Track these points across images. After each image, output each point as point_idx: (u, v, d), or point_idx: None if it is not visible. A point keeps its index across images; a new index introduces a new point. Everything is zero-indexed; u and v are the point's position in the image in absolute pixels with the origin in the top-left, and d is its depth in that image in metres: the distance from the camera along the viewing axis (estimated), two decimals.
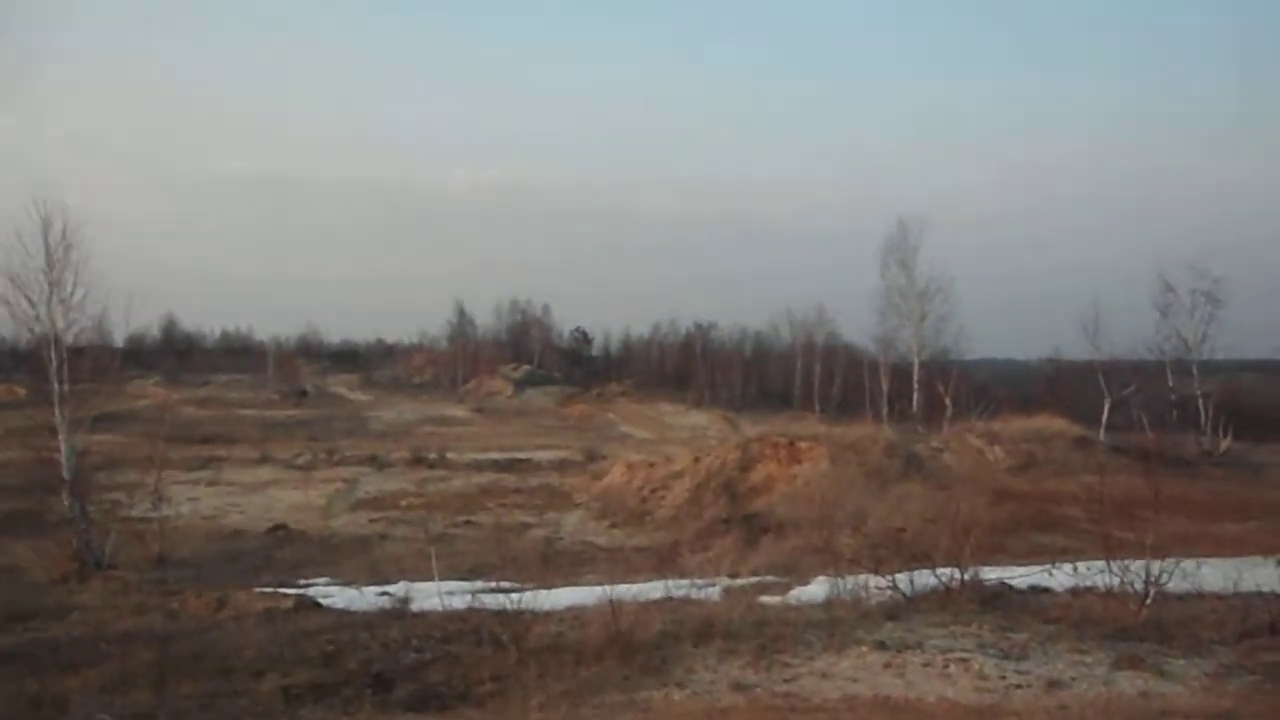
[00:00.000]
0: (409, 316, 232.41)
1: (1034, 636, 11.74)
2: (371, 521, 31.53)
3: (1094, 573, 13.79)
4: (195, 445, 47.63)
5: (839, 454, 32.56)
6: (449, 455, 46.61)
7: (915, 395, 48.83)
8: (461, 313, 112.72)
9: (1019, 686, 10.08)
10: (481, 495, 36.85)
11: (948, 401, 46.37)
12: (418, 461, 45.35)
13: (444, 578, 18.23)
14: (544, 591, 13.77)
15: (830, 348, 79.10)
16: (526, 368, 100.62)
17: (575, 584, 17.12)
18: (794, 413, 68.15)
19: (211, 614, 15.42)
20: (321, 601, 16.50)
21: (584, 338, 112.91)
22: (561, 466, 44.39)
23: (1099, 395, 43.87)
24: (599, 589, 13.53)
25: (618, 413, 77.20)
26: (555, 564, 22.96)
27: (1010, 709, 9.27)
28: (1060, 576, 14.71)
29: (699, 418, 74.19)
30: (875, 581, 14.15)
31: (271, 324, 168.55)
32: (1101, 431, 40.80)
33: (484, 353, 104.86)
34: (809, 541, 20.79)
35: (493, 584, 16.85)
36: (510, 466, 44.37)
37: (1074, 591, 14.03)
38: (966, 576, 13.73)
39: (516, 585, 15.15)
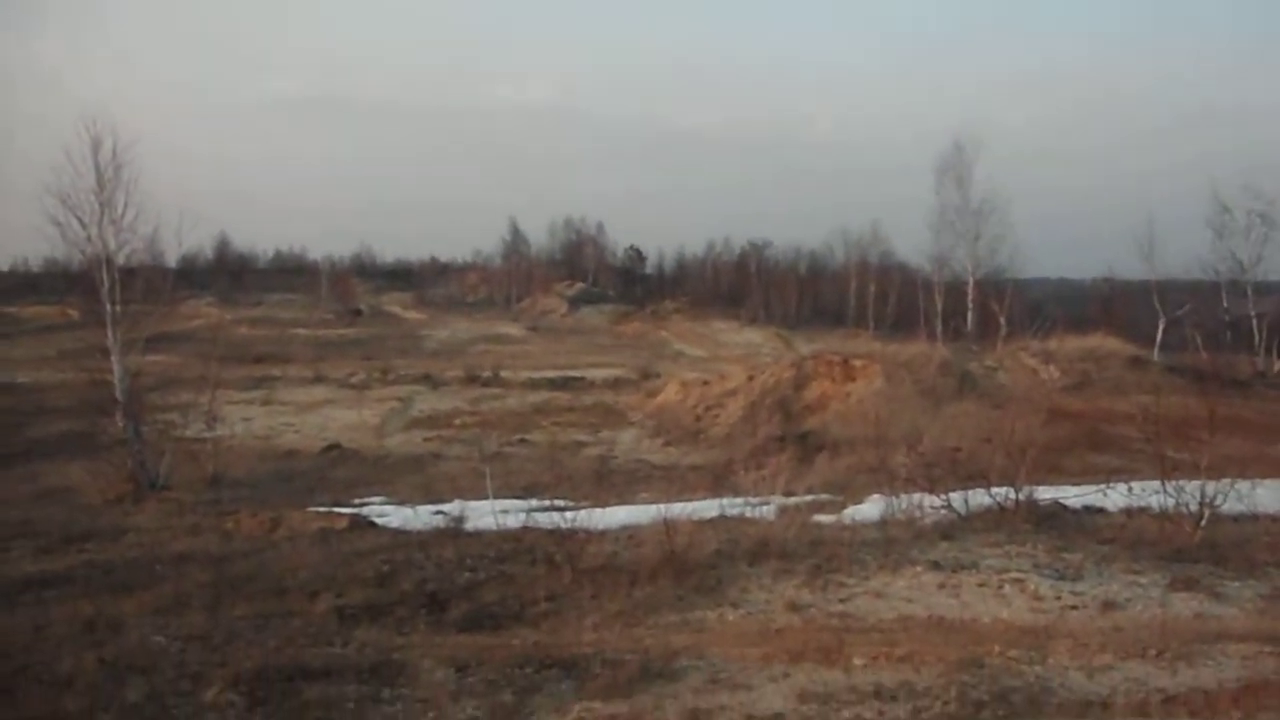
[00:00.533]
0: (463, 236, 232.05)
1: (1089, 557, 11.72)
2: (426, 440, 31.72)
3: (1149, 493, 13.74)
4: (249, 365, 47.91)
5: (893, 372, 32.38)
6: (503, 374, 46.69)
7: (970, 314, 48.55)
8: (516, 231, 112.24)
9: (1074, 607, 10.09)
10: (536, 414, 36.97)
11: (1002, 320, 46.01)
12: (472, 380, 45.39)
13: (498, 497, 18.24)
14: (598, 510, 13.83)
15: (885, 266, 78.26)
16: (581, 286, 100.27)
17: (629, 503, 17.12)
18: (848, 331, 67.71)
19: (266, 534, 15.55)
20: (376, 521, 16.63)
21: (638, 256, 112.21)
22: (616, 385, 44.42)
23: (1153, 315, 43.49)
24: (653, 508, 13.56)
25: (672, 331, 76.90)
26: (609, 483, 23.00)
27: (1065, 629, 9.28)
28: (1115, 497, 14.61)
29: (753, 335, 73.80)
30: (930, 501, 14.09)
31: (325, 244, 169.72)
32: (1156, 351, 40.39)
33: (538, 271, 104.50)
34: (863, 460, 20.73)
35: (547, 503, 16.97)
36: (564, 385, 44.42)
37: (1128, 512, 13.98)
38: (1021, 496, 13.69)
39: (571, 504, 15.27)
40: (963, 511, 13.65)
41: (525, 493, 20.59)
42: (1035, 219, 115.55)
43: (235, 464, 26.36)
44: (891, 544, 12.28)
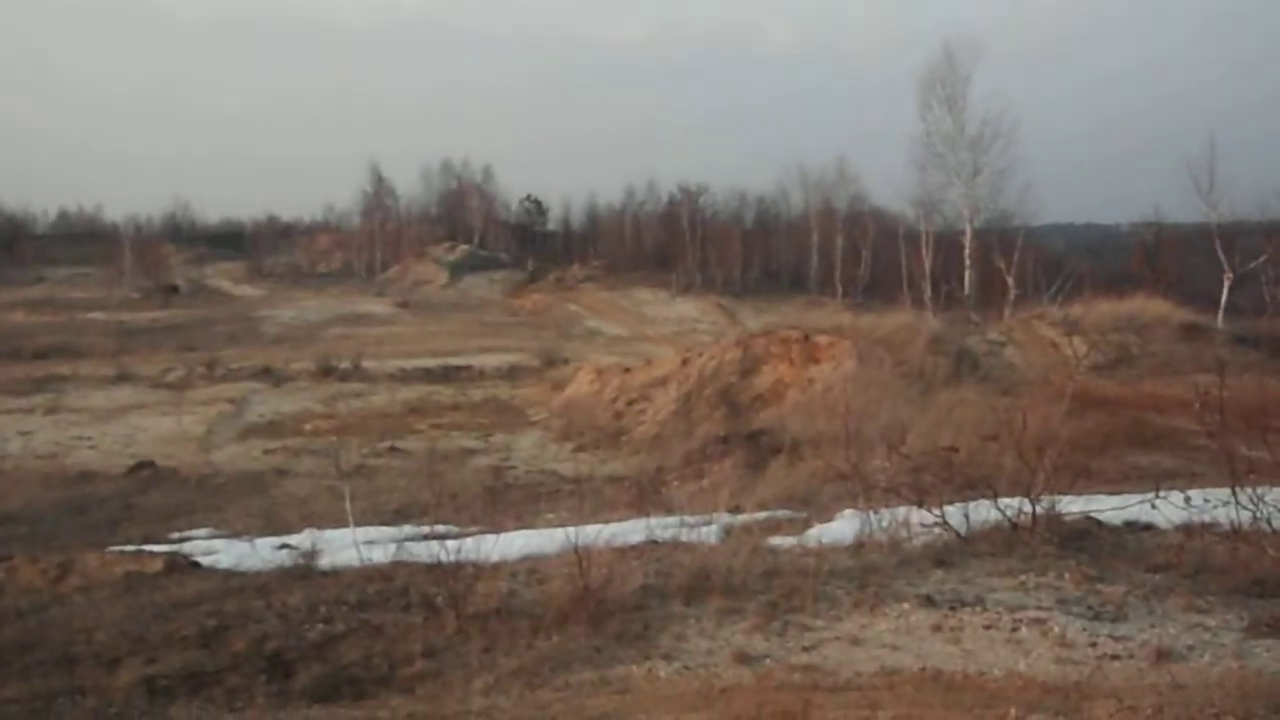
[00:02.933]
0: (311, 188, 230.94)
1: (1134, 590, 11.52)
2: (266, 453, 31.81)
3: (1214, 504, 13.24)
4: (26, 363, 47.29)
5: (869, 351, 32.72)
6: (366, 364, 46.76)
7: (967, 273, 49.15)
8: (379, 180, 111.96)
9: (1115, 657, 9.75)
10: (409, 414, 37.19)
11: (1010, 280, 46.48)
12: (326, 373, 45.54)
13: (362, 523, 18.20)
14: (491, 538, 13.74)
15: (855, 215, 79.09)
16: (464, 248, 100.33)
17: (531, 527, 17.09)
18: (810, 299, 68.57)
19: (50, 586, 15.14)
20: (201, 561, 16.40)
21: (537, 208, 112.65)
22: (512, 374, 44.64)
23: (1215, 268, 43.42)
24: (561, 532, 13.55)
25: (583, 303, 77.22)
26: (505, 501, 22.99)
27: (1105, 688, 8.91)
28: (1167, 509, 14.02)
29: (687, 307, 74.39)
30: (919, 516, 14.16)
31: (127, 201, 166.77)
32: (1219, 316, 40.50)
33: (409, 231, 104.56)
34: (831, 465, 20.79)
35: (425, 529, 16.84)
36: (446, 376, 44.63)
37: (1187, 529, 13.57)
38: (1040, 509, 13.66)
39: (456, 530, 15.12)
40: (962, 530, 13.72)
41: (397, 517, 20.69)
42: (1053, 148, 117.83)
43: (9, 493, 26.03)
44: (870, 573, 12.35)
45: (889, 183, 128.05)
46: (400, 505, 22.38)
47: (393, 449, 31.28)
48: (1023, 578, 12.05)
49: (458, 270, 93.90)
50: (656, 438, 31.21)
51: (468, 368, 46.35)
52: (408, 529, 18.23)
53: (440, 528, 15.05)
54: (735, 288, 79.76)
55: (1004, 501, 13.95)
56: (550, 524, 17.11)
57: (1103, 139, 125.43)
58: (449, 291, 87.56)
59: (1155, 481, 15.62)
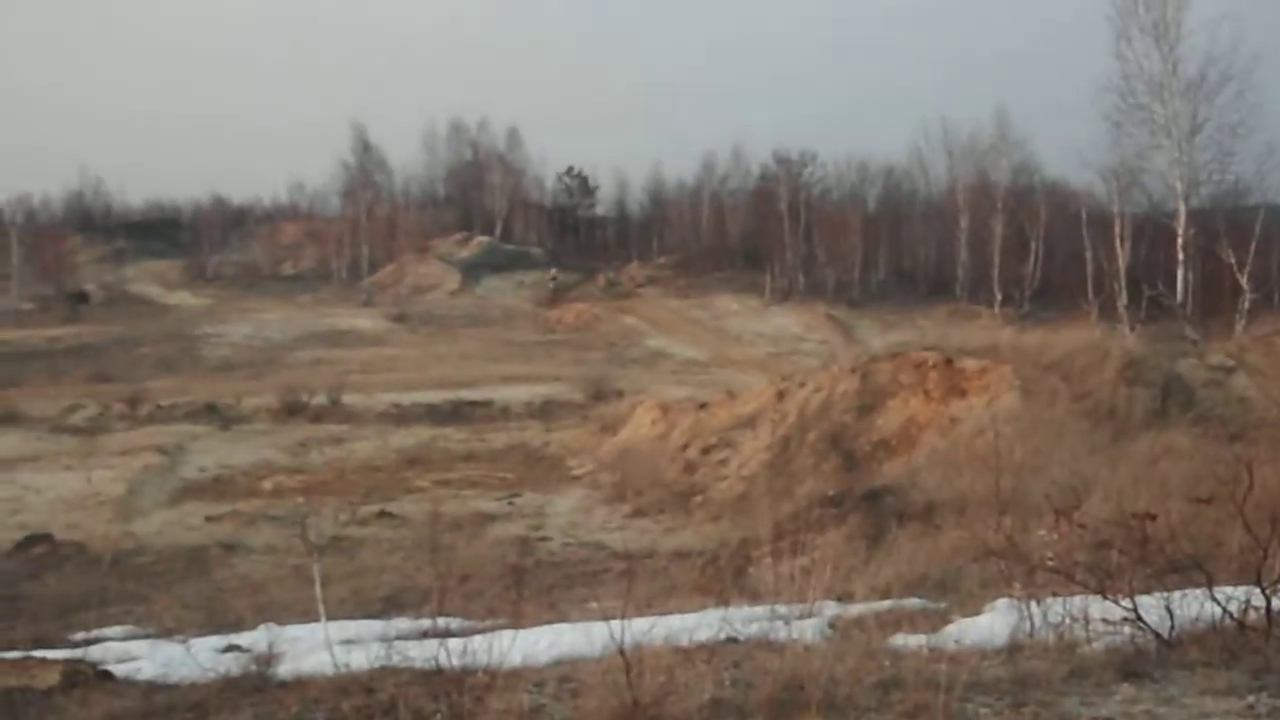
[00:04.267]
0: (269, 159, 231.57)
1: None
2: (209, 521, 32.18)
3: None
4: None
5: (1037, 381, 32.66)
6: (348, 400, 47.41)
7: (1180, 272, 48.61)
8: (365, 147, 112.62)
9: None
10: (407, 467, 37.71)
11: (1244, 282, 46.09)
12: (293, 411, 46.28)
13: (338, 616, 18.34)
14: (511, 634, 13.92)
15: (1021, 191, 78.74)
16: (482, 241, 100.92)
17: (567, 619, 17.26)
18: (956, 307, 68.42)
19: None
20: (115, 670, 16.62)
21: (582, 185, 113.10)
22: (546, 412, 44.96)
23: None
24: (606, 626, 13.59)
25: (643, 315, 77.54)
26: (535, 584, 23.28)
27: None
28: None
29: (786, 320, 74.59)
30: (1101, 609, 14.16)
31: (16, 178, 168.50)
32: None
33: (406, 218, 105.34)
34: (980, 537, 20.87)
35: (423, 623, 17.07)
36: (457, 415, 45.14)
37: None
38: (1276, 603, 13.58)
39: (466, 625, 15.37)
40: (1164, 630, 13.67)
41: (386, 608, 21.08)
42: None
43: None
44: (1029, 688, 12.30)
45: (1067, 146, 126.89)
46: (391, 591, 22.60)
47: (383, 514, 31.46)
48: (1251, 699, 11.59)
49: (473, 271, 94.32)
50: (741, 498, 31.37)
51: (486, 403, 46.71)
52: (400, 624, 18.33)
53: (444, 621, 15.30)
54: (852, 293, 79.88)
55: (1224, 591, 13.66)
56: (592, 615, 17.21)
57: None
58: (461, 300, 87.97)
59: None
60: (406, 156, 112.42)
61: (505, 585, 21.81)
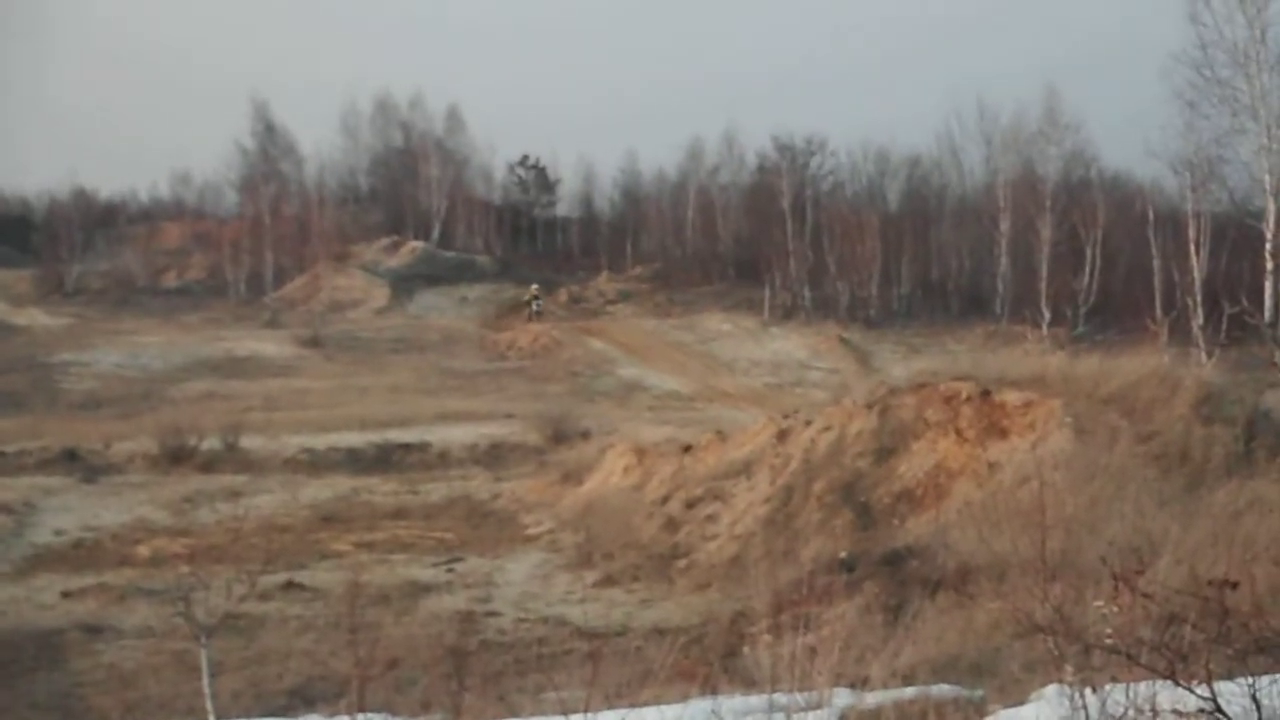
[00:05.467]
0: (147, 145, 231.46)
1: None
2: (67, 597, 31.71)
3: None
4: None
5: (1092, 418, 32.54)
6: (247, 443, 47.13)
7: (1270, 284, 48.62)
8: (267, 129, 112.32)
9: None
10: (321, 527, 37.46)
11: None
12: (177, 459, 45.95)
13: (231, 714, 18.37)
14: None
15: (1075, 186, 78.79)
16: (416, 247, 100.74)
17: (518, 715, 17.30)
18: (994, 328, 68.52)
19: None
20: None
21: (539, 179, 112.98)
22: (496, 458, 45.03)
23: None
24: None
25: (615, 338, 77.63)
26: (480, 671, 23.15)
27: None
28: None
29: (788, 344, 74.71)
30: (1172, 697, 14.19)
31: None
32: None
33: (320, 217, 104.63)
34: (1023, 610, 20.92)
35: None
36: (385, 461, 45.16)
37: None
38: None
39: None
40: None
41: (293, 703, 20.91)
42: None
43: None
44: None
45: (1129, 135, 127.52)
46: (299, 682, 22.47)
47: (290, 585, 31.11)
48: None
49: (404, 284, 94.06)
50: (734, 562, 31.18)
51: (421, 447, 46.58)
52: None
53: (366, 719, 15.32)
54: (869, 311, 80.00)
55: None
56: (550, 709, 17.26)
57: None
58: (390, 320, 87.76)
59: None
60: (320, 140, 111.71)
61: (443, 673, 21.74)
